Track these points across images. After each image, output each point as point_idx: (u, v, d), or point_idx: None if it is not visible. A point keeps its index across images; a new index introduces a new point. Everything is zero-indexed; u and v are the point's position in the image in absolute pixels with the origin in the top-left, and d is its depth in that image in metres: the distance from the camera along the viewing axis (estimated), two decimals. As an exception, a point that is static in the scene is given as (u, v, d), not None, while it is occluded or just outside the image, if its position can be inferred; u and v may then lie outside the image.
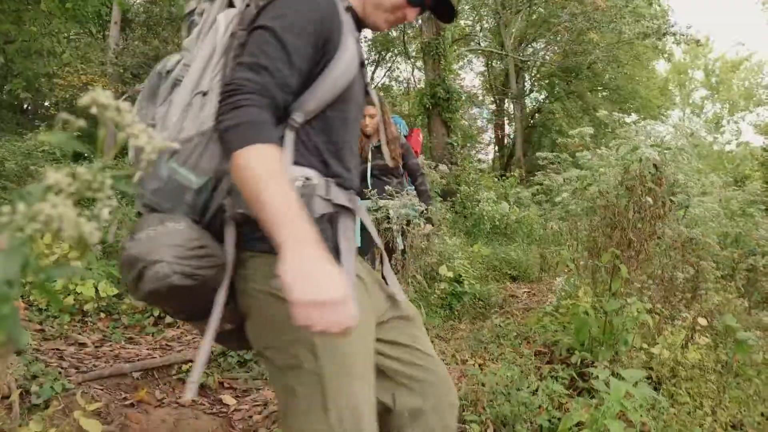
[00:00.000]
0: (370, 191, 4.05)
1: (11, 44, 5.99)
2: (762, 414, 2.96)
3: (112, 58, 10.43)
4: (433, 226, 4.07)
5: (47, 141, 0.48)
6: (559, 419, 2.90)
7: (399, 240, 4.09)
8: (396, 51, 22.46)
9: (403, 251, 4.17)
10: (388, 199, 4.00)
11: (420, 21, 12.76)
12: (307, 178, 1.24)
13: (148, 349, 3.29)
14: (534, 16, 21.85)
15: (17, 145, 5.42)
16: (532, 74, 24.95)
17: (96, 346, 3.21)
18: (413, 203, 4.04)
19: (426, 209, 4.11)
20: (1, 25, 4.96)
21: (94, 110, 0.49)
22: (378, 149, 4.10)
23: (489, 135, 27.75)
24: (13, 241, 0.43)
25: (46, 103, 15.48)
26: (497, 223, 8.49)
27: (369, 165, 4.11)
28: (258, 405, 2.92)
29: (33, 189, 0.45)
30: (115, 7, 9.80)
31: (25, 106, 15.89)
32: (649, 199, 3.40)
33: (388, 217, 3.98)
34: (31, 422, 2.09)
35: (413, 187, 4.36)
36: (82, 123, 0.47)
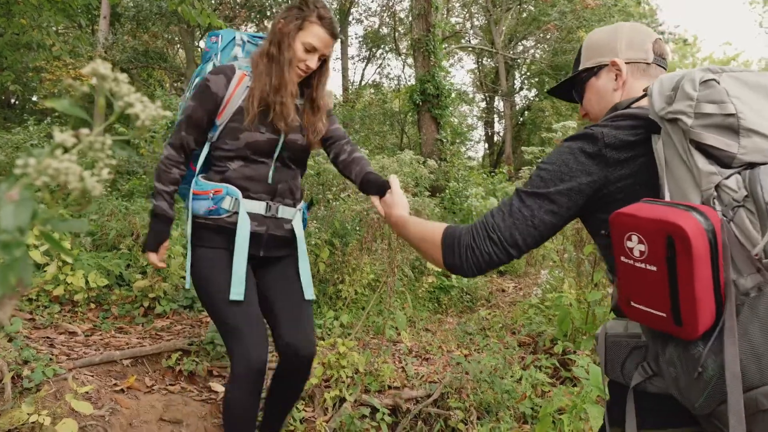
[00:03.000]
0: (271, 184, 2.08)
1: (0, 37, 5.97)
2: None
3: (102, 52, 10.40)
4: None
5: (54, 107, 0.53)
6: (541, 407, 2.97)
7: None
8: (386, 48, 22.52)
9: None
10: (290, 204, 2.15)
11: (411, 18, 12.80)
12: None
13: (137, 338, 3.33)
14: (524, 14, 22.00)
15: (7, 138, 5.43)
16: (522, 72, 25.10)
17: (86, 335, 3.24)
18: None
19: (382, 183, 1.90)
20: (-9, 18, 4.98)
21: (94, 80, 0.55)
22: (299, 113, 2.13)
23: (479, 132, 27.91)
24: (24, 193, 0.49)
25: (34, 98, 15.38)
26: (485, 218, 8.56)
27: (281, 141, 2.06)
28: (247, 392, 2.96)
29: (41, 150, 0.50)
30: (104, 0, 9.77)
31: (13, 100, 15.78)
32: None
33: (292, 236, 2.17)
34: (23, 404, 2.13)
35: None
36: (86, 89, 0.52)
